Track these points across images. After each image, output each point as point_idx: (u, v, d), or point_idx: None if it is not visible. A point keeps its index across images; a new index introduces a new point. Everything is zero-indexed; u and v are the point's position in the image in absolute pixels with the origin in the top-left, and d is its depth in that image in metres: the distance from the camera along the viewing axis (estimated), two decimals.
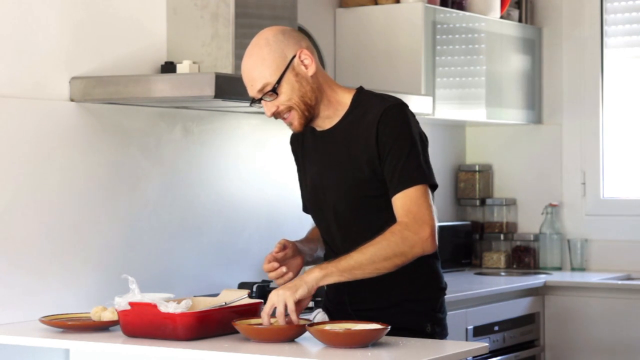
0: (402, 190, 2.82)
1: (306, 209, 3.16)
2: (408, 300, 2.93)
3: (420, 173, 2.83)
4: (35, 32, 3.39)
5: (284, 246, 3.00)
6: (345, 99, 2.95)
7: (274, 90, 2.84)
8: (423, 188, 2.83)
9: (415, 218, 2.79)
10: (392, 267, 2.79)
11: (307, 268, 2.95)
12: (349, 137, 2.91)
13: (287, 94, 2.86)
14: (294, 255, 3.02)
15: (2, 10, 3.30)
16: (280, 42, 2.86)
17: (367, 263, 2.77)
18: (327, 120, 2.95)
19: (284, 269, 2.95)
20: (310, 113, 2.90)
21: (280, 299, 2.74)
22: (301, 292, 2.74)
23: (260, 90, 2.85)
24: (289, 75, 2.85)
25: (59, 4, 3.46)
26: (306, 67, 2.88)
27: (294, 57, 2.86)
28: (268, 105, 2.87)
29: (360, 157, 2.88)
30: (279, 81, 2.84)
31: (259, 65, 2.84)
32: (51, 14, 3.43)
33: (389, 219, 2.85)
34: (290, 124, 2.92)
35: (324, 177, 2.96)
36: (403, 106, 2.89)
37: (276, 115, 2.89)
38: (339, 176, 2.92)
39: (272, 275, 2.97)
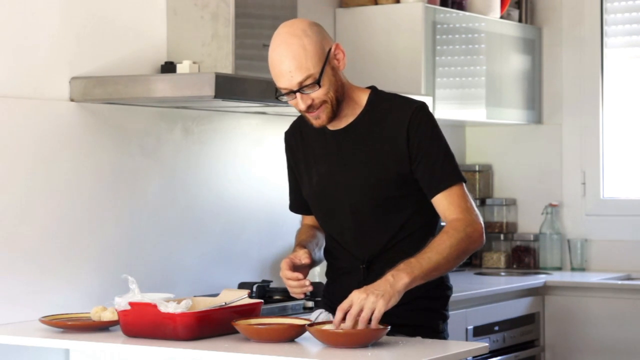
0: (446, 188, 2.83)
1: (294, 208, 3.11)
2: (422, 297, 2.91)
3: (459, 172, 2.87)
4: (35, 32, 3.39)
5: (309, 255, 2.89)
6: (360, 98, 2.92)
7: (317, 83, 2.76)
8: (463, 186, 2.86)
9: (471, 214, 2.82)
10: (457, 265, 2.80)
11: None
12: (370, 136, 2.88)
13: (326, 87, 2.78)
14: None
15: (2, 10, 3.30)
16: (317, 33, 2.78)
17: (444, 263, 2.75)
18: (343, 118, 2.90)
19: (307, 281, 2.81)
20: (338, 109, 2.84)
21: (370, 306, 2.62)
22: (393, 302, 2.65)
23: (301, 82, 2.76)
24: (328, 69, 2.78)
25: (59, 4, 3.45)
26: (338, 61, 2.83)
27: (330, 50, 2.80)
28: (304, 98, 2.78)
29: (386, 158, 2.86)
30: (320, 73, 2.76)
31: (301, 56, 2.74)
32: (51, 14, 3.43)
33: (408, 219, 2.88)
34: (316, 118, 2.83)
35: (337, 176, 2.91)
36: (427, 107, 2.89)
37: (308, 108, 2.80)
38: (358, 175, 2.88)
39: (293, 284, 2.82)
